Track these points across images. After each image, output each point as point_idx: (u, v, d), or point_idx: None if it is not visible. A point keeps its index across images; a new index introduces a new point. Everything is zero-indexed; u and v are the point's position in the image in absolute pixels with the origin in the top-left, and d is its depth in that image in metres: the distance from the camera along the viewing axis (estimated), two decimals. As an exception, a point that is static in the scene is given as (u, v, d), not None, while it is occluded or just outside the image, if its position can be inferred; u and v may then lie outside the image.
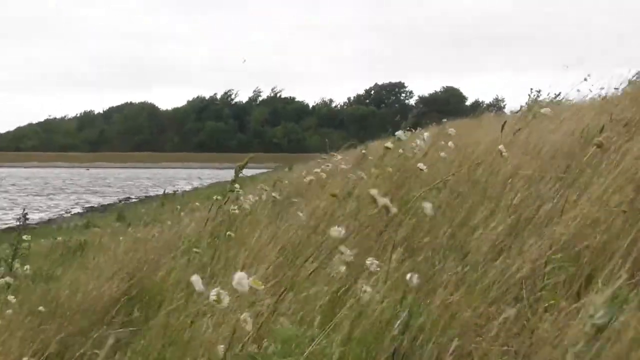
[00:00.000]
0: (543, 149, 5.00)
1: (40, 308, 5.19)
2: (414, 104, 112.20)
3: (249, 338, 2.71)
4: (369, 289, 2.74)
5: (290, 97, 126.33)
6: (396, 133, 5.94)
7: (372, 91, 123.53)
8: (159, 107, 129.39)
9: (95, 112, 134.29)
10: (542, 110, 5.82)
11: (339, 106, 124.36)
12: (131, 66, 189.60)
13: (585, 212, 3.31)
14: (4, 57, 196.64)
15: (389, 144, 5.64)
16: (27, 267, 6.46)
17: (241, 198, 6.73)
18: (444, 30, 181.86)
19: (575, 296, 2.86)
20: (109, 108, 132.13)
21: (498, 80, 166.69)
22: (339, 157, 9.18)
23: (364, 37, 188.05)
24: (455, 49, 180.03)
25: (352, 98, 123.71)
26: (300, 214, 5.29)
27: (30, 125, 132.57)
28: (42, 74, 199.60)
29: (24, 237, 6.56)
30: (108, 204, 33.81)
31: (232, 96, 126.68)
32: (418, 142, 6.04)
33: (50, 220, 25.30)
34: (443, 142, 5.71)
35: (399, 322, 2.71)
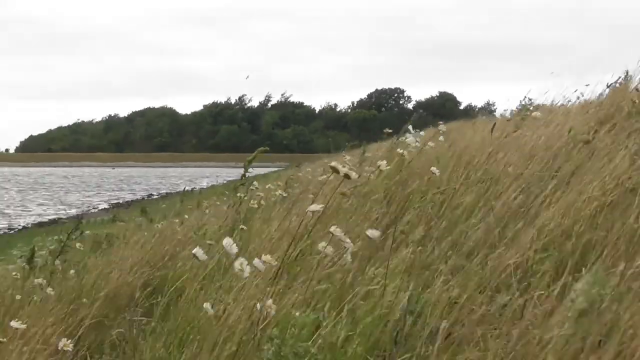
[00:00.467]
0: (533, 147, 4.98)
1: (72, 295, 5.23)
2: (412, 108, 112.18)
3: (267, 322, 2.73)
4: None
5: (298, 102, 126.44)
6: (407, 140, 5.94)
7: (373, 97, 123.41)
8: (178, 111, 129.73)
9: (120, 116, 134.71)
10: (533, 114, 5.82)
11: (343, 110, 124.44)
12: (153, 74, 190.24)
13: (571, 205, 3.31)
14: (52, 69, 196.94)
15: (402, 151, 5.30)
16: (58, 260, 6.51)
17: (258, 194, 6.74)
18: (438, 43, 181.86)
19: (563, 285, 2.86)
20: (132, 112, 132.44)
21: (490, 89, 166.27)
22: (347, 157, 9.14)
23: (366, 48, 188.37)
24: (451, 60, 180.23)
25: (354, 102, 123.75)
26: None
27: (60, 128, 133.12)
28: (72, 82, 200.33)
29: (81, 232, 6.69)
30: (132, 200, 33.91)
31: (246, 101, 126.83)
32: (417, 142, 6.04)
33: (78, 215, 25.37)
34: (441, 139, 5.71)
35: (401, 305, 2.73)
